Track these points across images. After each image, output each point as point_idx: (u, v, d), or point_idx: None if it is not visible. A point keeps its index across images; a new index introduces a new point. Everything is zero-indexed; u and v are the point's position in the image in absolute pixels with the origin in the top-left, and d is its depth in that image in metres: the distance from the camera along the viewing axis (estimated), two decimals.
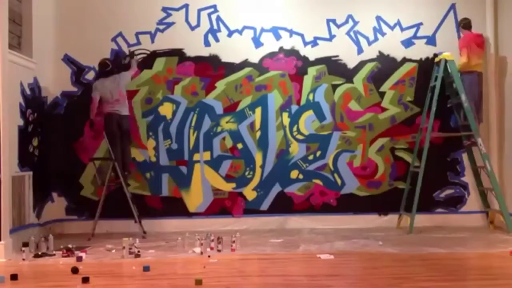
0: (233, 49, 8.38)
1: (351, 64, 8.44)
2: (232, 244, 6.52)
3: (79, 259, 6.09)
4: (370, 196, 8.39)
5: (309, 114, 8.42)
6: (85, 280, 5.11)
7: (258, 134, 8.38)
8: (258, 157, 8.36)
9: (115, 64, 8.01)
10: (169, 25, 8.35)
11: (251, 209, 8.34)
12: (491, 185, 7.73)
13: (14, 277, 5.28)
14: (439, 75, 7.94)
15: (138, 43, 8.31)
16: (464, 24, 8.16)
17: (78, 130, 8.22)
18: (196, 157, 8.33)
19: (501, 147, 8.28)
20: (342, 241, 7.13)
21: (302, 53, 8.43)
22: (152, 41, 8.31)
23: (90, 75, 8.28)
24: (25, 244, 6.28)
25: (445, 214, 8.33)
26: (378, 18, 8.48)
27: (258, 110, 8.38)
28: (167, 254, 6.44)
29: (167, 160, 8.30)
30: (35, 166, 7.51)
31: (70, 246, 6.58)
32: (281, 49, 8.43)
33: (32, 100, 7.52)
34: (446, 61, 7.92)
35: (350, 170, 8.41)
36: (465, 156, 8.42)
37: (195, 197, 8.31)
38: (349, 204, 8.36)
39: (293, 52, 8.43)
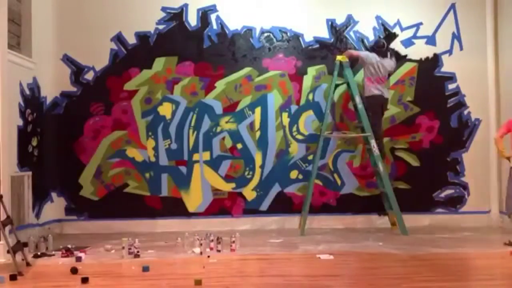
0: (232, 49, 8.38)
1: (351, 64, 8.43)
2: (232, 244, 6.51)
3: (79, 259, 6.08)
4: (370, 196, 8.38)
5: (308, 114, 8.41)
6: (85, 280, 5.10)
7: (257, 134, 8.37)
8: (257, 157, 8.35)
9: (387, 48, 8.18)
10: (169, 24, 8.36)
11: (251, 209, 8.33)
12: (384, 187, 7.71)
13: (13, 277, 5.27)
14: (334, 76, 7.87)
15: (138, 43, 8.31)
16: None
17: (78, 130, 8.22)
18: (195, 157, 8.32)
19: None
20: (342, 241, 7.12)
21: (301, 53, 8.42)
22: (152, 41, 8.32)
23: (90, 75, 8.28)
24: (25, 245, 6.27)
25: (445, 214, 8.32)
26: (378, 18, 8.47)
27: (258, 110, 8.37)
28: (167, 254, 6.43)
29: (166, 160, 8.29)
30: (34, 166, 7.49)
31: (69, 246, 6.58)
32: (280, 48, 8.42)
33: (32, 100, 7.51)
34: (341, 62, 7.82)
35: (349, 170, 8.41)
36: (465, 156, 8.43)
37: (195, 197, 8.30)
38: (349, 204, 8.35)
39: (292, 52, 8.43)
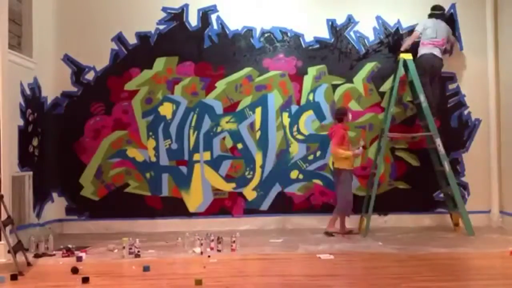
0: (233, 49, 8.39)
1: (351, 64, 8.44)
2: (232, 244, 6.52)
3: (79, 259, 6.10)
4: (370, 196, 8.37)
5: (309, 114, 8.42)
6: (85, 280, 5.11)
7: (258, 134, 8.38)
8: (258, 157, 8.36)
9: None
10: (169, 25, 8.37)
11: (251, 209, 8.34)
12: (451, 187, 7.60)
13: (14, 277, 5.28)
14: (397, 75, 7.86)
15: (138, 43, 8.32)
16: None
17: (78, 130, 8.23)
18: (196, 157, 8.33)
19: (499, 147, 8.28)
20: (342, 241, 7.14)
21: (302, 53, 8.43)
22: (152, 41, 8.34)
23: (90, 75, 8.29)
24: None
25: (445, 214, 8.32)
26: (378, 18, 8.48)
27: (258, 110, 8.38)
28: (167, 254, 6.44)
29: (167, 160, 8.30)
30: (35, 166, 7.50)
31: (70, 246, 6.59)
32: (281, 49, 8.43)
33: (32, 100, 7.51)
34: (404, 60, 7.80)
35: None
36: (465, 156, 8.43)
37: (195, 197, 8.31)
38: None
39: (293, 52, 8.43)
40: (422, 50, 7.96)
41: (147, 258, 6.15)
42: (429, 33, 7.95)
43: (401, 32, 8.45)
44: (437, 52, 7.94)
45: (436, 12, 8.14)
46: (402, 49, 8.04)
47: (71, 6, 8.29)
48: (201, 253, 6.38)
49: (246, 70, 8.40)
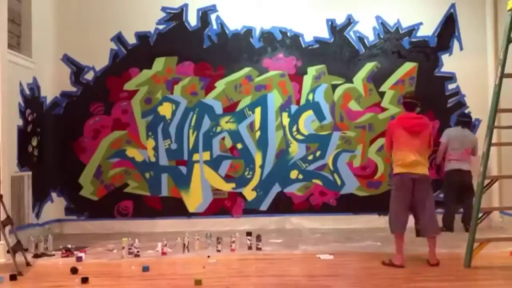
0: (232, 49, 8.38)
1: (350, 64, 8.44)
2: (232, 244, 6.51)
3: (79, 259, 6.08)
4: (370, 196, 8.38)
5: (308, 114, 8.41)
6: (84, 280, 5.10)
7: (257, 134, 8.37)
8: (257, 157, 8.35)
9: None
10: (169, 25, 8.36)
11: (251, 209, 8.33)
12: None
13: (13, 277, 5.27)
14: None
15: (138, 43, 8.31)
16: None
17: (78, 130, 8.22)
18: (195, 157, 8.32)
19: (499, 147, 8.26)
20: (342, 241, 7.12)
21: (301, 53, 8.42)
22: (152, 41, 8.32)
23: (90, 75, 8.28)
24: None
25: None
26: (378, 18, 8.47)
27: (258, 110, 8.38)
28: (167, 254, 6.42)
29: (166, 160, 8.29)
30: (34, 166, 7.49)
31: (69, 246, 6.58)
32: (280, 48, 8.42)
33: (32, 100, 7.51)
34: None
35: (349, 170, 8.40)
36: None
37: (195, 197, 8.30)
38: (349, 204, 8.35)
39: (292, 52, 8.42)
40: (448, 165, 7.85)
41: (147, 258, 6.13)
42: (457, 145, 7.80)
43: (401, 32, 8.45)
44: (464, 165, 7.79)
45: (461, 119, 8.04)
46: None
47: (70, 6, 8.28)
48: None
49: (246, 70, 8.39)
